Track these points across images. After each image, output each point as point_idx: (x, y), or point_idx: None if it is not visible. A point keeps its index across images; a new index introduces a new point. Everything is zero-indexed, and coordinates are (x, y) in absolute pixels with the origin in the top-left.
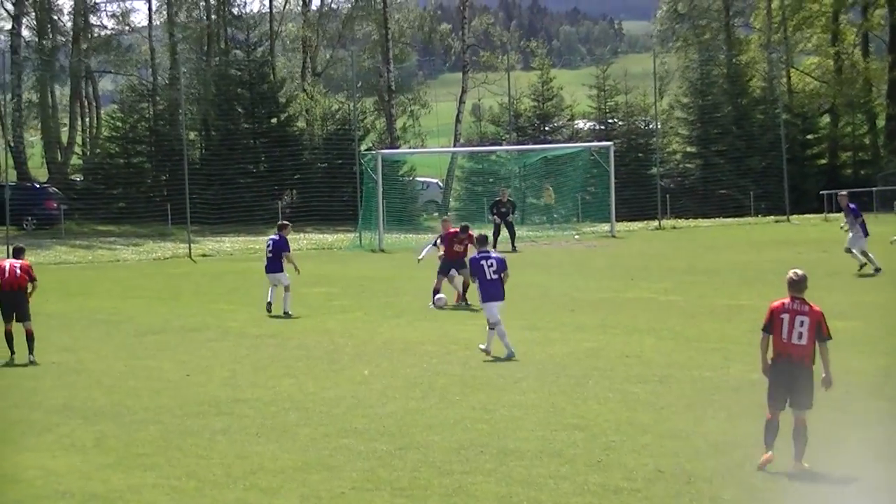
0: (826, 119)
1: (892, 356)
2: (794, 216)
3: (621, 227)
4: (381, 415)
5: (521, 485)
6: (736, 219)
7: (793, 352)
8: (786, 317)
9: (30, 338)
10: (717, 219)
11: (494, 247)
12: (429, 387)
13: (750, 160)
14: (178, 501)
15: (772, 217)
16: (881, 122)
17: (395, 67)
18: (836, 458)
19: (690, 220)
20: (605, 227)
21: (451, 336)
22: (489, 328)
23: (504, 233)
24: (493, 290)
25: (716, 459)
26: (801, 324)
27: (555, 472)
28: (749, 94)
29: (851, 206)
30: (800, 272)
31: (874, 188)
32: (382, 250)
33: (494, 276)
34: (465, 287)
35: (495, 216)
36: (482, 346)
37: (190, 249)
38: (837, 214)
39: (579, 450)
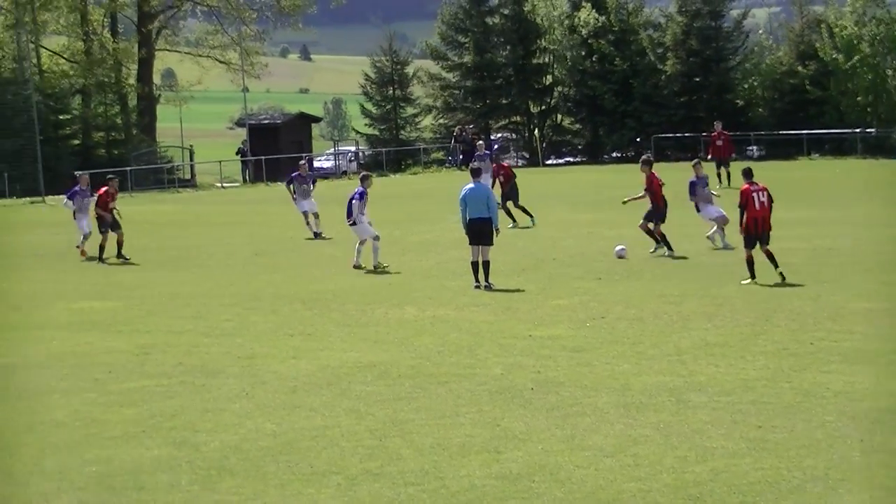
0: (78, 99)
1: (153, 335)
2: (49, 196)
3: None
4: None
5: None
6: None
7: None
8: None
9: None
10: None
11: None
12: None
13: (3, 142)
14: None
15: (27, 198)
16: (133, 102)
17: None
18: (92, 443)
19: None
20: None
21: None
22: None
23: None
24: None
25: None
26: None
27: None
28: None
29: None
30: None
31: (128, 168)
32: None
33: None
34: None
35: None
36: None
37: None
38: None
39: None
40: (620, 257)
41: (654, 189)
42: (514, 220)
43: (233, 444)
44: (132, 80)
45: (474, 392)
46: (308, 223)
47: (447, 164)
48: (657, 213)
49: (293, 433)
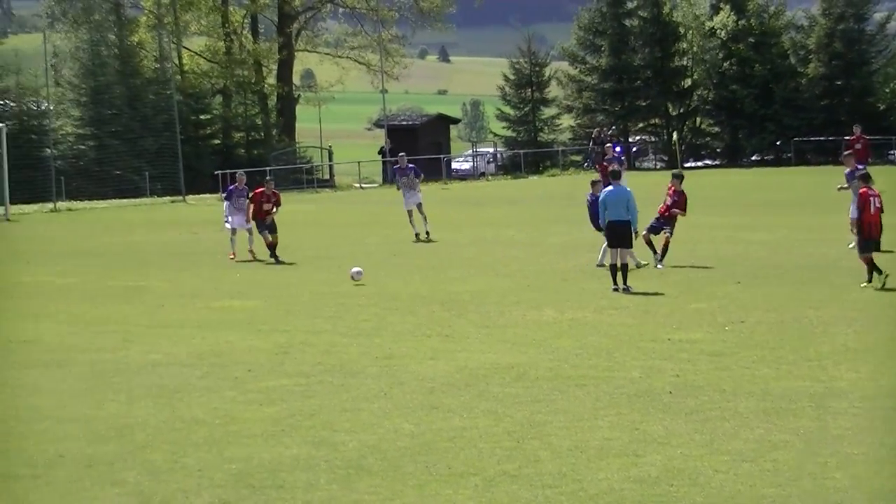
0: (219, 99)
1: (291, 334)
2: (190, 196)
3: (16, 209)
4: None
5: None
6: (133, 200)
7: None
8: None
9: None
10: (113, 200)
11: None
12: None
13: (144, 141)
14: None
15: (168, 197)
16: (273, 102)
17: None
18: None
19: (86, 201)
20: None
21: None
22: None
23: None
24: None
25: (117, 442)
26: None
27: None
28: (141, 74)
29: (411, 165)
30: None
31: (268, 168)
32: None
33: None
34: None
35: None
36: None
37: None
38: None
39: None
40: (354, 278)
41: (681, 203)
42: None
43: (371, 444)
44: (272, 81)
45: (612, 395)
46: (411, 221)
47: (585, 167)
48: (672, 222)
49: (431, 434)
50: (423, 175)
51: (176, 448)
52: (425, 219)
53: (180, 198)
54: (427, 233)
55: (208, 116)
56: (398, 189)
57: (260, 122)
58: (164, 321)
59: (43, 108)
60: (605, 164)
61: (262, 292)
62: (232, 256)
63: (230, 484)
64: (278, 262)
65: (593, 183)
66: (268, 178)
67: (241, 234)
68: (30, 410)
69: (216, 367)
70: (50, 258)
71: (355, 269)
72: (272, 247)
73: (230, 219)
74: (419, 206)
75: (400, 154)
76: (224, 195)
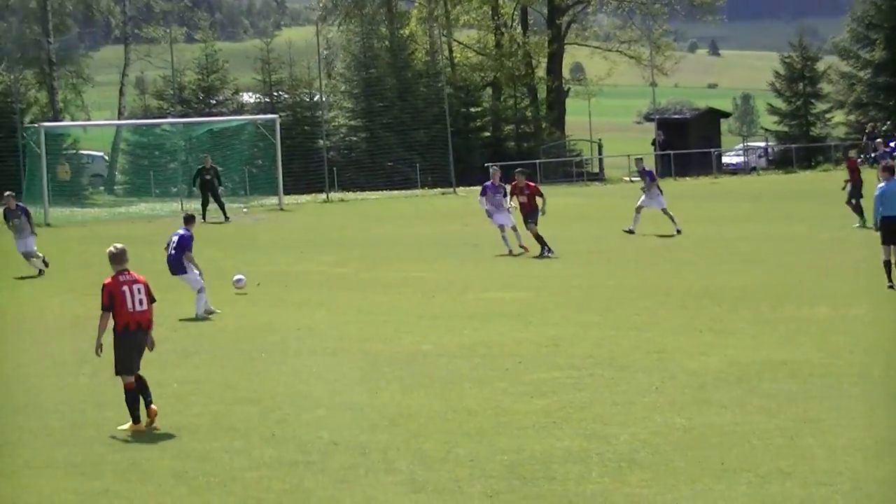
0: (489, 92)
1: (562, 327)
2: (460, 188)
3: (289, 200)
4: (50, 389)
5: (196, 460)
6: (403, 191)
7: (140, 319)
8: (126, 289)
9: None
10: (384, 191)
11: (204, 218)
12: (99, 364)
13: (415, 133)
14: None
15: (438, 189)
16: (542, 95)
17: (55, 39)
18: (500, 434)
19: (358, 192)
20: (273, 200)
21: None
22: None
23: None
24: None
25: (390, 431)
26: (139, 291)
27: (229, 446)
28: (412, 67)
29: (647, 169)
30: (119, 246)
31: (538, 160)
32: (48, 224)
33: None
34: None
35: (196, 186)
36: None
37: None
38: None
39: (253, 424)
40: (238, 286)
41: (850, 167)
42: (862, 218)
43: (643, 438)
44: (542, 74)
45: (889, 394)
46: (635, 217)
47: (859, 162)
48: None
49: (703, 429)
50: (657, 179)
51: (448, 438)
52: (672, 218)
53: (451, 190)
54: (678, 230)
55: (478, 109)
56: (642, 191)
57: (530, 115)
58: (434, 312)
59: (315, 99)
60: (852, 158)
61: (532, 284)
62: (507, 254)
63: (502, 475)
64: (544, 256)
65: (884, 169)
66: (518, 170)
67: (510, 230)
68: (305, 398)
69: (487, 359)
70: (323, 248)
71: (237, 277)
72: (538, 239)
73: (494, 216)
74: (664, 210)
75: (637, 157)
76: (481, 192)
